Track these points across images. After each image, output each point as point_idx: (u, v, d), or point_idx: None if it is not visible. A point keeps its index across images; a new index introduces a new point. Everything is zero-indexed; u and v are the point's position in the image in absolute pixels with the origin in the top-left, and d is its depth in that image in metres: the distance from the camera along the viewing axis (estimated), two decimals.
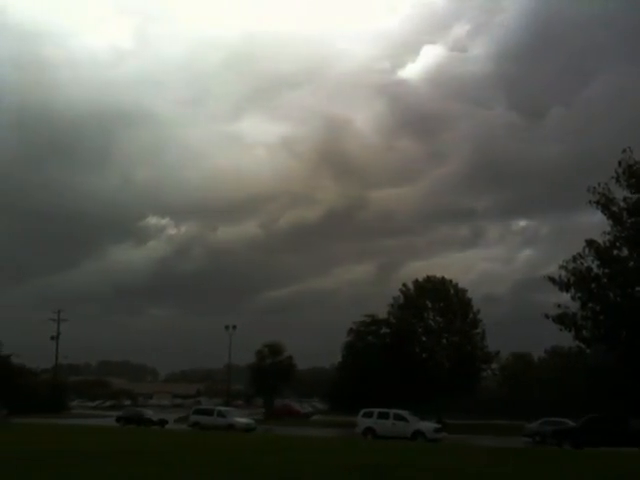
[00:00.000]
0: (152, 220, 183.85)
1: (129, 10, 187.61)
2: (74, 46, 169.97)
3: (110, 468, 16.44)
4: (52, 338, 79.19)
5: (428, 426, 38.11)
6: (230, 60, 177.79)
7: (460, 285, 61.85)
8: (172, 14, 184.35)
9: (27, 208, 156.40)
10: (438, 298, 60.73)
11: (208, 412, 45.18)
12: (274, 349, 70.11)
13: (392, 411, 38.42)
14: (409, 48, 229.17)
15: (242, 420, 43.90)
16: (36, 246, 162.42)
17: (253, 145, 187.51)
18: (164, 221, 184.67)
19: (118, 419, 50.10)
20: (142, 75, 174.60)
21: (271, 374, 67.83)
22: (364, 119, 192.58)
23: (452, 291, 61.07)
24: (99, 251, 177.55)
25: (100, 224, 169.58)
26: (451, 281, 61.76)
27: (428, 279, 62.05)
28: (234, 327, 76.01)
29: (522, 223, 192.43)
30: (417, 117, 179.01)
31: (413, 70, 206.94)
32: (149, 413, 52.53)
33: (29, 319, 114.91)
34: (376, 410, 38.93)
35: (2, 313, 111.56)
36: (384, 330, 61.81)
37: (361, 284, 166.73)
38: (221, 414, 43.63)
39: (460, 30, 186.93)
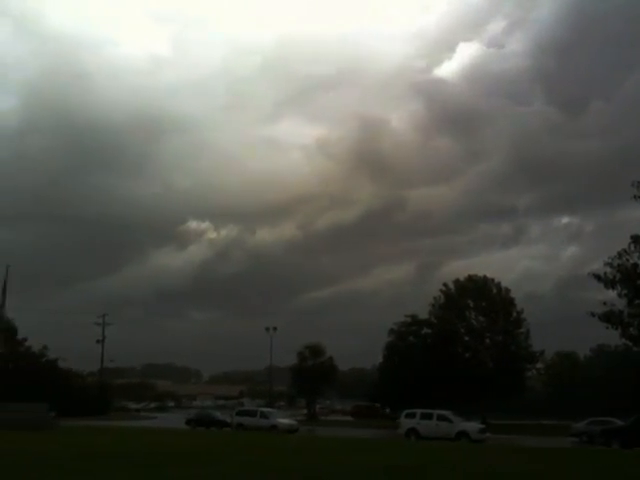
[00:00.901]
0: (192, 224, 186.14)
1: (166, 18, 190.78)
2: (114, 55, 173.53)
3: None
4: (98, 341, 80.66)
5: (472, 427, 37.60)
6: (266, 64, 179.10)
7: (502, 284, 61.12)
8: (208, 21, 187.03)
9: (73, 216, 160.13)
10: (480, 297, 60.03)
11: (251, 413, 45.45)
12: (315, 350, 70.23)
13: (435, 412, 38.05)
14: (445, 46, 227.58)
15: (285, 421, 44.05)
16: (82, 252, 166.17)
17: (290, 148, 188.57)
18: (204, 225, 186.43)
19: (188, 421, 48.79)
20: (180, 82, 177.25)
21: (312, 375, 67.96)
22: (400, 118, 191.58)
23: (494, 290, 60.31)
24: (142, 256, 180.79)
25: (142, 229, 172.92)
26: (493, 280, 61.01)
27: (469, 278, 61.39)
28: (274, 329, 76.40)
29: (565, 220, 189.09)
30: (454, 115, 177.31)
31: (449, 68, 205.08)
32: (219, 415, 50.84)
33: (75, 323, 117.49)
34: (419, 411, 38.60)
35: (50, 317, 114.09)
36: (425, 330, 61.34)
37: (401, 284, 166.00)
38: (264, 415, 43.84)
39: (496, 26, 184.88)
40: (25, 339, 65.84)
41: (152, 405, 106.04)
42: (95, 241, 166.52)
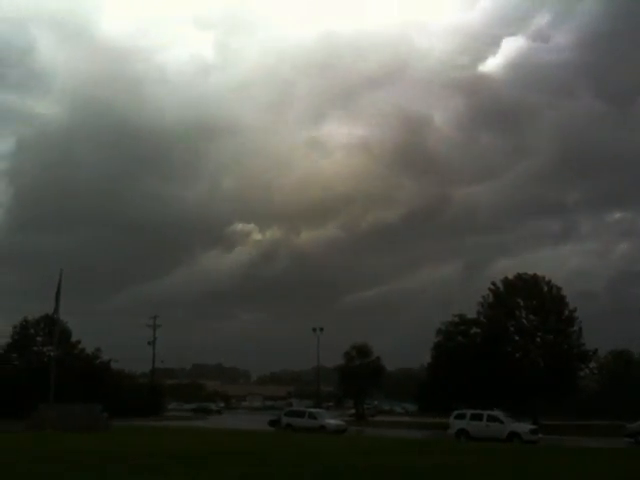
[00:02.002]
0: (238, 226, 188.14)
1: (209, 23, 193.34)
2: (161, 61, 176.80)
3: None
4: (149, 343, 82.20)
5: (524, 427, 36.98)
6: (310, 65, 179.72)
7: (553, 282, 59.80)
8: (251, 24, 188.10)
9: (123, 220, 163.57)
10: (530, 296, 58.87)
11: (299, 414, 45.58)
12: (362, 350, 70.03)
13: (486, 412, 37.58)
14: (489, 41, 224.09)
15: (333, 422, 44.04)
16: (133, 255, 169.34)
17: (333, 148, 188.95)
18: (249, 227, 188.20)
19: (272, 422, 47.04)
20: (226, 85, 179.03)
21: (360, 375, 67.77)
22: (444, 116, 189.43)
23: (545, 288, 59.08)
24: (191, 258, 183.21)
25: (191, 232, 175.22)
26: (544, 278, 59.77)
27: (519, 276, 60.26)
28: (321, 329, 76.47)
29: (617, 215, 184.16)
30: (499, 111, 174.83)
31: (494, 63, 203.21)
32: None
33: (127, 325, 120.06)
34: (469, 411, 38.19)
35: (102, 320, 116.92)
36: (474, 330, 60.50)
37: (447, 283, 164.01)
38: (312, 416, 43.92)
39: (541, 20, 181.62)
40: (79, 341, 67.38)
41: (202, 406, 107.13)
42: (145, 244, 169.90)
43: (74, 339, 66.61)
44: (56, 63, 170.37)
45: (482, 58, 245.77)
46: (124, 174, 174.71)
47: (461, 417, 38.08)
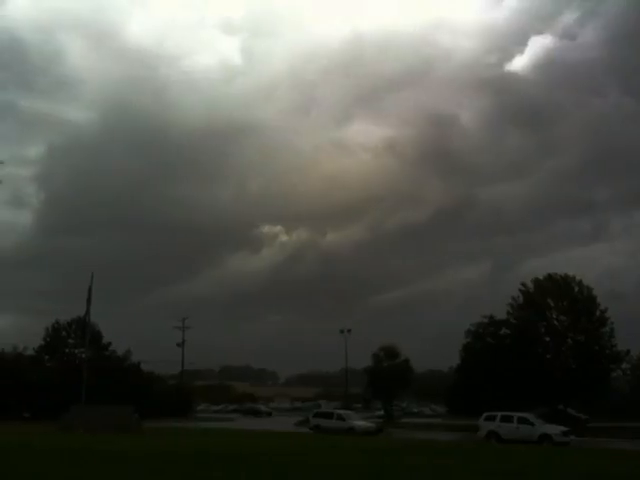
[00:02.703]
0: (265, 228, 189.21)
1: (235, 28, 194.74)
2: (188, 66, 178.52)
3: None
4: (178, 345, 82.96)
5: (555, 429, 36.46)
6: (334, 66, 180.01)
7: (584, 282, 58.93)
8: (276, 27, 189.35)
9: (151, 223, 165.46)
10: (561, 296, 58.08)
11: (328, 415, 45.52)
12: (390, 352, 69.73)
13: (516, 414, 37.14)
14: (516, 40, 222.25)
15: (362, 423, 43.90)
16: (161, 258, 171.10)
17: (358, 149, 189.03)
18: (276, 229, 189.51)
19: (316, 427, 44.00)
20: (251, 88, 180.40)
21: (388, 377, 67.49)
22: (471, 115, 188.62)
23: (576, 288, 58.25)
24: (218, 260, 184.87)
25: (218, 234, 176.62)
26: (574, 278, 58.95)
27: (549, 277, 59.50)
28: (349, 330, 76.36)
29: None
30: (526, 109, 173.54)
31: (521, 62, 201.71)
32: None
33: (156, 327, 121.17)
34: (499, 413, 37.74)
35: (132, 322, 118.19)
36: (504, 331, 59.90)
37: (475, 284, 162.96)
38: (340, 417, 43.84)
39: (569, 17, 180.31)
40: (109, 343, 68.23)
41: (230, 407, 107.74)
42: (173, 247, 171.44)
43: (105, 341, 67.47)
44: (85, 69, 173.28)
45: (509, 57, 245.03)
46: (153, 178, 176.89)
47: (491, 419, 37.67)
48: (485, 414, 38.43)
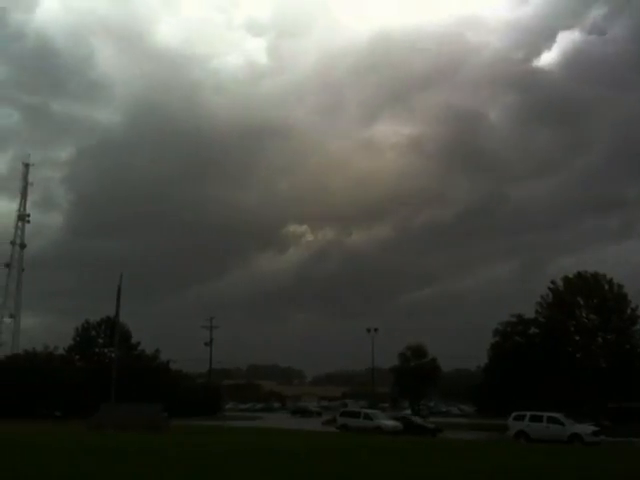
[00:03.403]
0: (291, 228, 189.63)
1: (262, 28, 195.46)
2: (216, 67, 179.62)
3: None
4: (206, 344, 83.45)
5: (585, 429, 35.98)
6: (362, 66, 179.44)
7: (614, 280, 58.08)
8: (303, 27, 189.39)
9: (181, 223, 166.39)
10: (591, 294, 57.37)
11: (355, 414, 45.43)
12: (417, 351, 69.49)
13: (545, 414, 36.71)
14: (544, 36, 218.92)
15: (389, 422, 43.75)
16: (189, 258, 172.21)
17: (385, 148, 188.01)
18: (302, 228, 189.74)
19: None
20: (279, 89, 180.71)
21: (415, 376, 67.22)
22: (498, 112, 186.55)
23: (606, 286, 57.46)
24: (245, 260, 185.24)
25: (245, 234, 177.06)
26: (605, 276, 58.12)
27: (579, 275, 58.79)
28: (376, 330, 75.99)
29: None
30: (555, 106, 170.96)
31: (549, 58, 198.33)
32: (419, 420, 46.24)
33: (184, 326, 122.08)
34: (528, 413, 37.35)
35: (160, 321, 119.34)
36: (533, 330, 59.31)
37: (504, 283, 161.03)
38: (367, 417, 43.73)
39: (597, 12, 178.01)
40: (139, 343, 68.96)
41: (258, 406, 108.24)
42: (201, 247, 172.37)
43: (134, 340, 68.21)
44: (114, 72, 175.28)
45: (537, 53, 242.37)
46: (181, 179, 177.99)
47: (520, 418, 37.30)
48: (514, 414, 38.06)
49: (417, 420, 46.02)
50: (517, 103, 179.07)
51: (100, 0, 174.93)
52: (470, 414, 74.76)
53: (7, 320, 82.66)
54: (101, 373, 52.76)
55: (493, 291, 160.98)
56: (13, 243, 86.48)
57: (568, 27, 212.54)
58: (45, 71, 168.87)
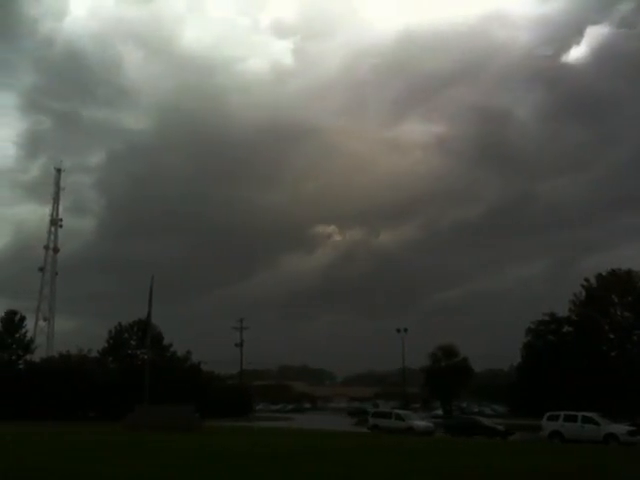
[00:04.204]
0: (319, 228, 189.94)
1: (287, 30, 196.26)
2: (241, 70, 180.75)
3: None
4: (236, 345, 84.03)
5: (621, 429, 35.31)
6: (387, 65, 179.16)
7: None
8: (327, 28, 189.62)
9: (210, 225, 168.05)
10: (625, 292, 56.39)
11: (386, 415, 45.32)
12: (448, 351, 69.00)
13: (580, 413, 36.15)
14: (572, 31, 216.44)
15: (421, 423, 43.53)
16: (218, 260, 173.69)
17: (411, 147, 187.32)
18: (330, 229, 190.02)
19: (448, 428, 42.81)
20: (305, 90, 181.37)
21: (447, 377, 66.74)
22: (526, 109, 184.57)
23: None
24: (274, 261, 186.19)
25: (274, 235, 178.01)
26: (638, 273, 57.05)
27: (613, 272, 57.80)
28: (405, 330, 75.60)
29: None
30: (584, 101, 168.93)
31: (577, 53, 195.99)
32: (485, 421, 43.49)
33: (215, 328, 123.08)
34: (562, 413, 36.83)
35: (191, 323, 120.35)
36: (566, 329, 58.49)
37: (535, 281, 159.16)
38: (399, 417, 43.57)
39: (626, 6, 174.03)
40: (171, 344, 69.60)
41: (289, 407, 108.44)
42: (230, 249, 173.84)
43: (166, 342, 68.87)
44: (142, 78, 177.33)
45: (565, 48, 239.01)
46: (209, 181, 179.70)
47: (554, 418, 36.79)
48: (548, 413, 37.56)
49: (485, 421, 43.69)
50: (546, 99, 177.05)
51: (127, 7, 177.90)
52: (503, 414, 73.95)
53: (42, 323, 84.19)
54: (134, 374, 53.32)
55: (524, 290, 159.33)
56: (46, 247, 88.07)
57: (597, 21, 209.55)
58: (75, 78, 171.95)
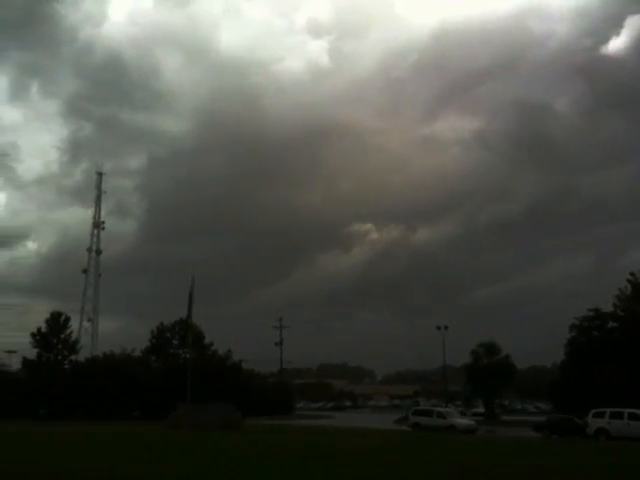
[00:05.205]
0: (355, 227, 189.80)
1: (323, 30, 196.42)
2: (278, 72, 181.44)
3: None
4: (276, 344, 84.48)
5: None
6: (422, 61, 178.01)
7: None
8: (363, 27, 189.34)
9: (248, 225, 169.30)
10: None
11: (427, 413, 44.99)
12: (490, 349, 68.10)
13: (627, 410, 35.32)
14: (611, 22, 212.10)
15: (463, 421, 43.13)
16: (256, 260, 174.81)
17: (448, 144, 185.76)
18: (366, 227, 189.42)
19: (538, 427, 40.90)
20: (341, 89, 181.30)
21: (489, 374, 65.92)
22: (565, 102, 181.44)
23: None
24: (311, 260, 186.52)
25: (310, 235, 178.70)
26: None
27: None
28: (446, 327, 74.94)
29: None
30: (624, 93, 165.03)
31: (617, 44, 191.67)
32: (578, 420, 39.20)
33: (254, 327, 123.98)
34: (608, 410, 36.05)
35: (231, 322, 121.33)
36: (611, 324, 57.16)
37: (577, 277, 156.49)
38: (440, 415, 43.21)
39: None
40: (212, 343, 70.37)
41: (329, 405, 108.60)
42: (268, 249, 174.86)
43: (207, 341, 69.63)
44: (180, 81, 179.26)
45: (605, 40, 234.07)
46: (247, 182, 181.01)
47: (600, 416, 36.04)
48: (593, 410, 36.82)
49: (580, 421, 39.70)
50: (586, 91, 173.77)
51: (164, 11, 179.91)
52: (547, 412, 72.79)
53: (86, 324, 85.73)
54: (176, 374, 54.02)
55: (567, 285, 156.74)
56: (89, 250, 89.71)
57: (636, 11, 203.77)
58: (114, 83, 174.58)
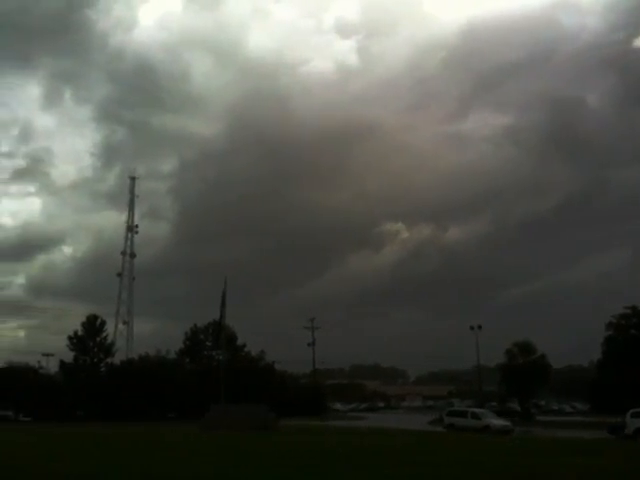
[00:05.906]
0: (386, 226, 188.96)
1: (350, 29, 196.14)
2: (306, 72, 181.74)
3: None
4: (308, 345, 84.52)
5: None
6: (450, 58, 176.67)
7: None
8: (391, 25, 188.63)
9: (277, 227, 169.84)
10: None
11: (462, 414, 44.62)
12: (525, 348, 67.26)
13: None
14: None
15: (498, 422, 42.67)
16: (287, 261, 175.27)
17: (478, 140, 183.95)
18: (397, 226, 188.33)
19: (613, 429, 38.38)
20: (369, 89, 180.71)
21: (524, 374, 65.13)
22: (597, 96, 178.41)
23: None
24: (342, 260, 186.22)
25: (340, 235, 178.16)
26: None
27: None
28: (479, 327, 74.26)
29: None
30: None
31: None
32: None
33: (286, 328, 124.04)
34: None
35: (263, 324, 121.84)
36: None
37: (613, 274, 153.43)
38: (475, 416, 42.81)
39: None
40: (244, 344, 70.78)
41: (362, 406, 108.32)
42: (298, 250, 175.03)
43: (239, 342, 70.04)
44: (210, 85, 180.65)
45: (636, 33, 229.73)
46: (277, 183, 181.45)
47: (638, 415, 35.35)
48: (632, 410, 36.10)
49: None
50: (617, 85, 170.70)
51: (193, 15, 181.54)
52: (584, 412, 71.64)
53: (121, 326, 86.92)
54: (210, 375, 54.46)
55: (603, 283, 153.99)
56: (124, 253, 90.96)
57: None
58: (145, 87, 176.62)
